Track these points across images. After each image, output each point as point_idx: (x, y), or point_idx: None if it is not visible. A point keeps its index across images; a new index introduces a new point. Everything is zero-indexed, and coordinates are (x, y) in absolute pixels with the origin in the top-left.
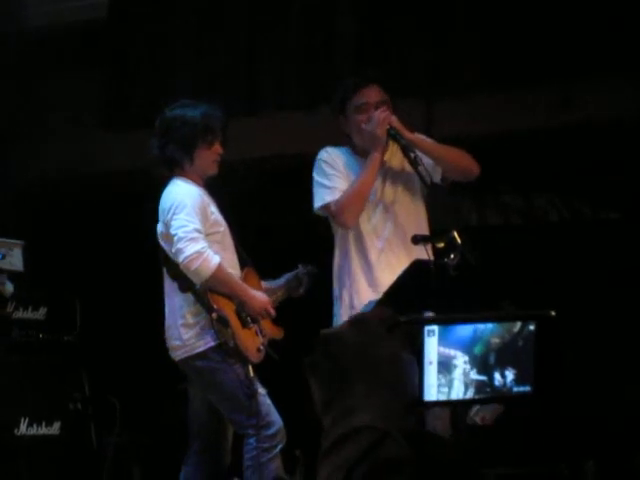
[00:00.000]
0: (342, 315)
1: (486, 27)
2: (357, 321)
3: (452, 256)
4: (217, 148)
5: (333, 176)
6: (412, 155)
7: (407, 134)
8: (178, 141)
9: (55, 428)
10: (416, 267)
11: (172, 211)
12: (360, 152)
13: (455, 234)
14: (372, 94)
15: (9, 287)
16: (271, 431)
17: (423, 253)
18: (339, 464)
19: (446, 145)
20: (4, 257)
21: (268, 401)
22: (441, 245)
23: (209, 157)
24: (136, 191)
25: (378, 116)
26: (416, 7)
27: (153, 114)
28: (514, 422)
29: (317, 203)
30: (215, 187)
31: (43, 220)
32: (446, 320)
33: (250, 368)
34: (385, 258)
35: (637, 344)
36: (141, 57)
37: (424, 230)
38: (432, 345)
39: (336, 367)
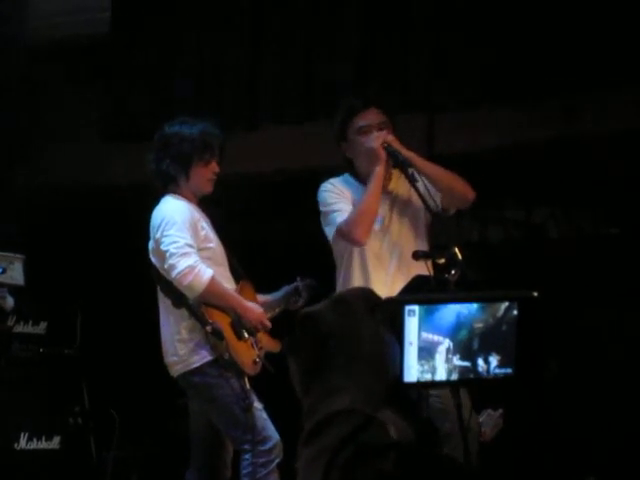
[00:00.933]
0: None
1: (487, 41)
2: (338, 300)
3: (453, 272)
4: (213, 166)
5: (338, 202)
6: (410, 171)
7: (404, 151)
8: (175, 157)
9: (55, 442)
10: (417, 282)
11: (162, 227)
12: (362, 178)
13: (456, 250)
14: (372, 116)
15: (10, 301)
16: (267, 446)
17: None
18: (321, 449)
19: (443, 168)
20: (5, 271)
21: (264, 416)
22: (442, 261)
23: (205, 175)
24: (137, 204)
25: (377, 134)
26: (417, 22)
27: (154, 128)
28: (514, 439)
29: (331, 230)
30: (210, 202)
31: (43, 233)
32: (427, 300)
33: (246, 380)
34: (388, 292)
35: (637, 358)
36: (142, 71)
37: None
38: (412, 325)
39: (316, 346)
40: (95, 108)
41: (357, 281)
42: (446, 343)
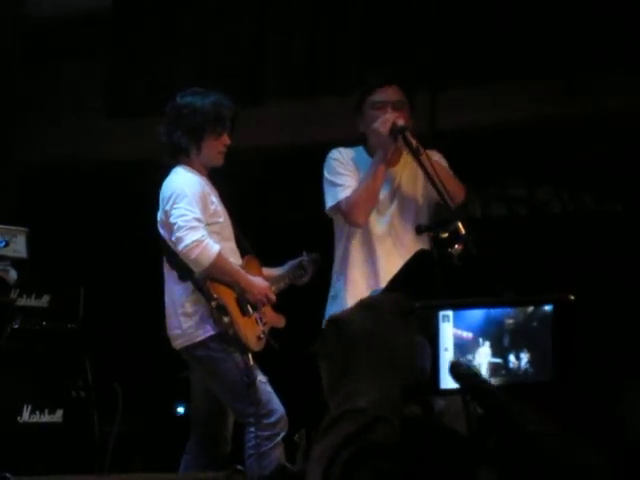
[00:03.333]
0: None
1: (488, 17)
2: (367, 305)
3: (456, 246)
4: (225, 139)
5: (344, 175)
6: (414, 144)
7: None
8: (187, 129)
9: (58, 415)
10: (419, 257)
11: (172, 200)
12: (373, 153)
13: (459, 224)
14: (391, 93)
15: (13, 274)
16: (272, 419)
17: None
18: (326, 445)
19: (442, 165)
20: (7, 244)
21: (269, 389)
22: (445, 235)
23: (216, 147)
24: (139, 179)
25: (386, 116)
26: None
27: (156, 102)
28: None
29: (329, 202)
30: (219, 176)
31: (46, 207)
32: (461, 304)
33: (250, 356)
34: (386, 266)
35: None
36: (144, 45)
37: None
38: (447, 331)
39: (345, 352)
40: (97, 83)
41: (357, 255)
42: (477, 339)
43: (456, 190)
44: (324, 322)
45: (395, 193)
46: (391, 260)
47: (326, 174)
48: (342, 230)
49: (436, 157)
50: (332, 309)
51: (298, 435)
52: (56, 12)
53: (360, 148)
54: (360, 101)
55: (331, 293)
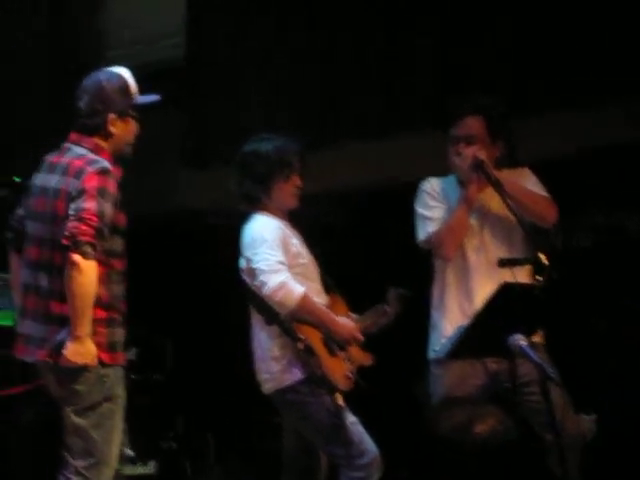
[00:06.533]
0: (434, 342)
1: (568, 43)
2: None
3: (539, 278)
4: (295, 180)
5: (434, 207)
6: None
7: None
8: (254, 176)
9: (150, 467)
10: (503, 290)
11: (253, 246)
12: (461, 182)
13: (541, 256)
14: (466, 127)
15: None
16: (364, 460)
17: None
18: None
19: (528, 189)
20: None
21: (360, 429)
22: (528, 267)
23: (287, 190)
24: (221, 227)
25: (466, 152)
26: (498, 29)
27: (230, 151)
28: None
29: (420, 236)
30: (299, 218)
31: (131, 258)
32: None
33: (339, 396)
34: (481, 294)
35: None
36: (219, 95)
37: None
38: None
39: None
40: (174, 133)
41: (453, 283)
42: None
43: (545, 211)
44: (428, 352)
45: (485, 219)
46: (486, 287)
47: (417, 207)
48: (438, 259)
49: (525, 179)
50: (433, 338)
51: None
52: (133, 64)
53: (451, 178)
54: (445, 133)
55: (431, 322)
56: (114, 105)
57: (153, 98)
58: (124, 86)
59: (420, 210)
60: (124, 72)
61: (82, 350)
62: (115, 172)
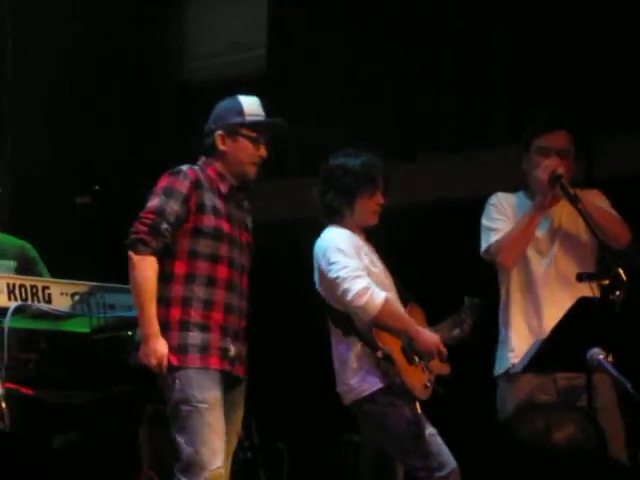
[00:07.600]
0: (503, 357)
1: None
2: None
3: (618, 293)
4: (378, 198)
5: (499, 220)
6: (580, 206)
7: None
8: (339, 190)
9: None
10: (581, 304)
11: (327, 256)
12: (533, 196)
13: (620, 271)
14: (558, 140)
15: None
16: (443, 473)
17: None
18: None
19: (603, 208)
20: None
21: (439, 441)
22: (606, 282)
23: (370, 207)
24: (300, 240)
25: (547, 162)
26: (577, 45)
27: (309, 164)
28: None
29: (483, 246)
30: (376, 236)
31: None
32: None
33: (417, 405)
34: (550, 309)
35: None
36: (299, 106)
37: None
38: None
39: None
40: None
41: (520, 298)
42: None
43: (619, 232)
44: (495, 368)
45: (556, 233)
46: (556, 302)
47: (483, 220)
48: (503, 273)
49: (597, 199)
50: (501, 354)
51: None
52: (211, 77)
53: (521, 193)
54: (527, 142)
55: (500, 337)
56: (221, 122)
57: (268, 120)
58: (237, 106)
59: (485, 222)
60: (244, 97)
61: (147, 350)
62: (215, 184)
